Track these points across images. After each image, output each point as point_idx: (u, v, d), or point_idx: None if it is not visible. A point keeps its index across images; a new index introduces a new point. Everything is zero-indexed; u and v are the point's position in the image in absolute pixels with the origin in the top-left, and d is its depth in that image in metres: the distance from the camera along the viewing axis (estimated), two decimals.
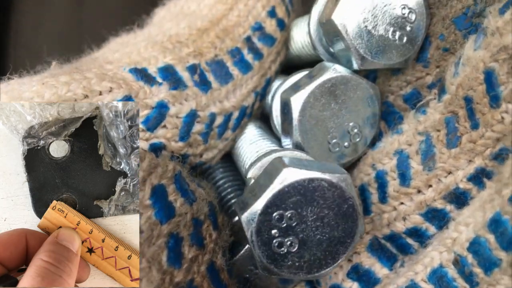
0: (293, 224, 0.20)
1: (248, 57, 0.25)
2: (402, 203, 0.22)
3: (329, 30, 0.23)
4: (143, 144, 0.22)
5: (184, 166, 0.24)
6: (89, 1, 0.63)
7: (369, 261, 0.22)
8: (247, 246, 0.24)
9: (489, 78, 0.19)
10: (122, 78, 0.22)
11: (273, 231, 0.20)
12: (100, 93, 0.21)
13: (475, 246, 0.19)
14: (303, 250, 0.21)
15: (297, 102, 0.23)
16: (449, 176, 0.21)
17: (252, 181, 0.22)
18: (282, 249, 0.21)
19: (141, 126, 0.22)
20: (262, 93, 0.26)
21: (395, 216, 0.22)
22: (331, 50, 0.25)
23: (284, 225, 0.20)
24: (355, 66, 0.23)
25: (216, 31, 0.25)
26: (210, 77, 0.24)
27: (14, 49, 0.61)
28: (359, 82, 0.24)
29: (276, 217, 0.20)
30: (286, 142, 0.24)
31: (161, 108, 0.22)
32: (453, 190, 0.21)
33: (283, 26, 0.27)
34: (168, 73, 0.23)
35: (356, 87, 0.24)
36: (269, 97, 0.27)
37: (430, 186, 0.21)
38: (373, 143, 0.24)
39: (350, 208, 0.21)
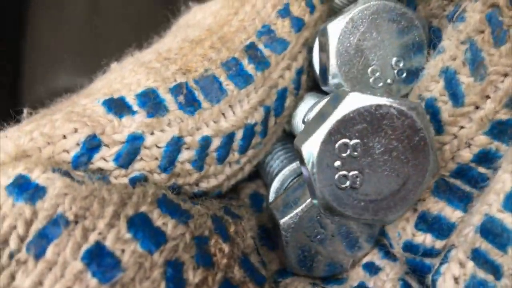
0: (359, 156, 0.18)
1: (249, 67, 0.22)
2: (462, 127, 0.20)
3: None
4: (122, 181, 0.20)
5: (180, 196, 0.21)
6: (105, 8, 0.63)
7: (437, 206, 0.20)
8: (302, 205, 0.21)
9: None
10: (90, 114, 0.20)
11: (336, 163, 0.18)
12: (64, 137, 0.19)
13: None
14: (369, 187, 0.18)
15: (335, 28, 0.21)
16: (506, 79, 0.19)
17: (312, 115, 0.20)
18: (346, 184, 0.18)
19: (112, 164, 0.19)
20: (276, 107, 0.23)
21: (457, 144, 0.20)
22: None
23: (349, 155, 0.18)
24: None
25: (213, 40, 0.22)
26: (200, 95, 0.21)
27: (30, 54, 0.61)
28: (404, 11, 0.21)
29: (340, 146, 0.18)
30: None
31: (134, 141, 0.20)
32: None
33: (300, 25, 0.23)
34: (148, 98, 0.20)
35: (400, 17, 0.21)
36: (296, 121, 0.24)
37: (488, 97, 0.19)
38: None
39: (422, 141, 0.18)
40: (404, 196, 0.19)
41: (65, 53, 0.61)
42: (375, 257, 0.22)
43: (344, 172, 0.18)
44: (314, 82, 0.25)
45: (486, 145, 0.19)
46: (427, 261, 0.20)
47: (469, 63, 0.19)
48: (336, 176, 0.18)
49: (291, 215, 0.21)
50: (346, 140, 0.18)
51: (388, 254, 0.22)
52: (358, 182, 0.18)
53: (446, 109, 0.20)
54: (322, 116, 0.18)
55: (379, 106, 0.18)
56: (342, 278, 0.23)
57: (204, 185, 0.21)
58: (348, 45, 0.22)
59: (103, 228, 0.17)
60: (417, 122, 0.18)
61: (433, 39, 0.22)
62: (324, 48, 0.22)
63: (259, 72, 0.22)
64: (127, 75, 0.21)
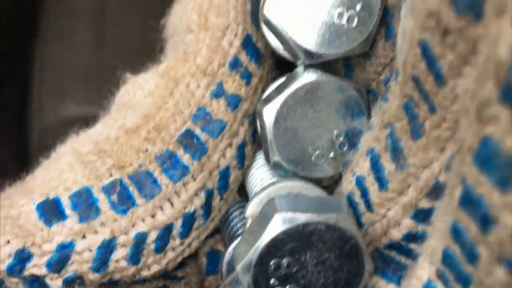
0: (293, 271, 0.19)
1: (185, 158, 0.21)
2: (389, 209, 0.20)
3: (269, 27, 0.21)
4: (56, 282, 0.21)
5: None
6: (111, 40, 0.64)
7: (371, 281, 0.21)
8: None
9: (425, 52, 0.16)
10: (22, 223, 0.20)
11: (272, 281, 0.19)
12: None
13: (447, 259, 0.16)
14: None
15: (269, 113, 0.21)
16: (425, 170, 0.18)
17: (250, 221, 0.21)
18: None
19: (45, 270, 0.20)
20: (220, 187, 0.22)
21: (387, 224, 0.20)
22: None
23: (283, 273, 0.19)
24: (300, 62, 0.21)
25: (148, 129, 0.22)
26: (134, 192, 0.21)
27: (38, 86, 0.63)
28: (338, 83, 0.21)
29: (273, 266, 0.19)
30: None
31: (64, 249, 0.20)
32: (434, 185, 0.19)
33: (236, 102, 0.22)
34: (81, 199, 0.20)
35: (336, 90, 0.21)
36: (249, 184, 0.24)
37: (410, 185, 0.19)
38: None
39: (354, 248, 0.19)
40: None
41: (72, 82, 0.63)
42: None
43: None
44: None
45: (413, 228, 0.20)
46: None
47: (390, 150, 0.19)
48: None
49: None
50: (278, 260, 0.19)
51: None
52: None
53: (373, 190, 0.20)
54: (253, 236, 0.19)
55: (306, 225, 0.19)
56: None
57: (145, 273, 0.22)
58: (284, 128, 0.21)
59: None
60: (347, 232, 0.19)
61: (374, 100, 0.22)
62: (262, 131, 0.22)
63: (195, 161, 0.22)
64: (65, 169, 0.22)
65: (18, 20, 0.65)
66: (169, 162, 0.21)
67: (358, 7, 0.20)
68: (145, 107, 0.22)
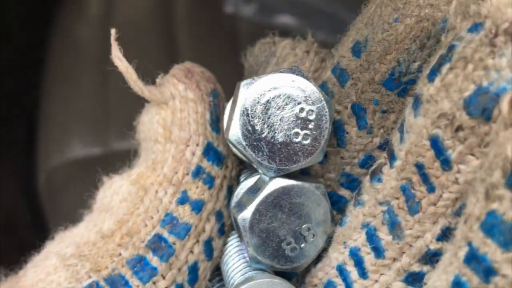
0: None
1: (153, 260, 0.24)
2: (382, 274, 0.22)
3: (233, 146, 0.23)
4: None
5: None
6: (114, 81, 0.65)
7: None
8: None
9: (435, 144, 0.20)
10: None
11: None
12: None
13: None
14: None
15: (244, 221, 0.23)
16: (418, 240, 0.21)
17: None
18: None
19: None
20: (190, 279, 0.24)
21: (379, 287, 0.22)
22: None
23: None
24: (267, 177, 0.23)
25: (121, 234, 0.24)
26: None
27: (45, 127, 0.65)
28: (302, 187, 0.23)
29: None
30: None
31: None
32: (426, 252, 0.21)
33: (200, 206, 0.24)
34: None
35: (300, 192, 0.23)
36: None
37: (404, 252, 0.22)
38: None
39: None
40: None
41: (77, 124, 0.65)
42: None
43: None
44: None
45: None
46: None
47: (387, 224, 0.21)
48: None
49: None
50: None
51: None
52: None
53: (369, 259, 0.22)
54: None
55: None
56: None
57: None
58: (258, 231, 0.23)
59: None
60: None
61: (346, 180, 0.24)
62: (238, 232, 0.23)
63: (163, 263, 0.24)
64: (50, 271, 0.24)
65: (25, 61, 0.67)
66: (139, 265, 0.23)
67: (310, 126, 0.22)
68: (119, 211, 0.24)
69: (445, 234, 0.20)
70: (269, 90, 0.22)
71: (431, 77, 0.19)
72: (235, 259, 0.25)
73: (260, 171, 0.23)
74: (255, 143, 0.22)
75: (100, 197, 0.26)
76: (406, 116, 0.20)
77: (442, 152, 0.19)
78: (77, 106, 0.65)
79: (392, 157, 0.21)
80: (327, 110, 0.22)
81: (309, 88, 0.22)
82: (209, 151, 0.25)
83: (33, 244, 0.26)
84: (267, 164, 0.22)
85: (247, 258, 0.24)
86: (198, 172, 0.24)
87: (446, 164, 0.19)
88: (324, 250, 0.24)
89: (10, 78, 0.60)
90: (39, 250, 0.25)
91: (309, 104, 0.22)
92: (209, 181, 0.24)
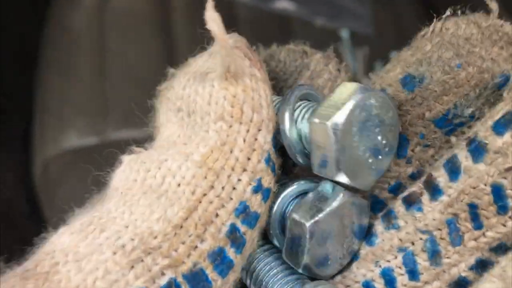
0: None
1: (231, 252, 0.22)
2: None
3: (316, 133, 0.22)
4: None
5: None
6: (110, 71, 0.65)
7: None
8: None
9: (497, 191, 0.21)
10: None
11: None
12: None
13: None
14: None
15: (310, 230, 0.23)
16: (453, 268, 0.23)
17: None
18: None
19: None
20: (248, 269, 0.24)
21: None
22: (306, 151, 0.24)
23: None
24: (330, 175, 0.23)
25: (195, 222, 0.21)
26: None
27: (41, 117, 0.64)
28: (360, 202, 0.24)
29: None
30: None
31: None
32: (458, 278, 0.23)
33: (268, 195, 0.23)
34: None
35: (352, 203, 0.24)
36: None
37: (438, 278, 0.23)
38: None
39: None
40: None
41: (73, 114, 0.64)
42: None
43: None
44: None
45: None
46: None
47: (428, 251, 0.23)
48: None
49: None
50: None
51: None
52: None
53: (401, 279, 0.23)
54: None
55: None
56: None
57: None
58: (317, 244, 0.23)
59: None
60: None
61: (372, 202, 0.25)
62: (295, 239, 0.24)
63: (238, 255, 0.22)
64: (110, 268, 0.20)
65: (22, 53, 0.66)
66: (219, 258, 0.22)
67: (380, 157, 0.23)
68: (182, 197, 0.22)
69: (477, 266, 0.22)
70: (375, 107, 0.22)
71: (499, 130, 0.21)
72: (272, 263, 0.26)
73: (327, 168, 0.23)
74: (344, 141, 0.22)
75: (132, 178, 0.23)
76: (459, 158, 0.21)
77: (502, 199, 0.21)
78: (73, 96, 0.64)
79: (436, 191, 0.22)
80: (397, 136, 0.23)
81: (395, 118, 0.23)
82: (275, 138, 0.23)
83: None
84: (340, 167, 0.22)
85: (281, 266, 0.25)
86: (268, 160, 0.23)
87: (503, 209, 0.21)
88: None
89: (5, 69, 0.59)
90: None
91: (387, 133, 0.23)
92: (274, 170, 0.23)
